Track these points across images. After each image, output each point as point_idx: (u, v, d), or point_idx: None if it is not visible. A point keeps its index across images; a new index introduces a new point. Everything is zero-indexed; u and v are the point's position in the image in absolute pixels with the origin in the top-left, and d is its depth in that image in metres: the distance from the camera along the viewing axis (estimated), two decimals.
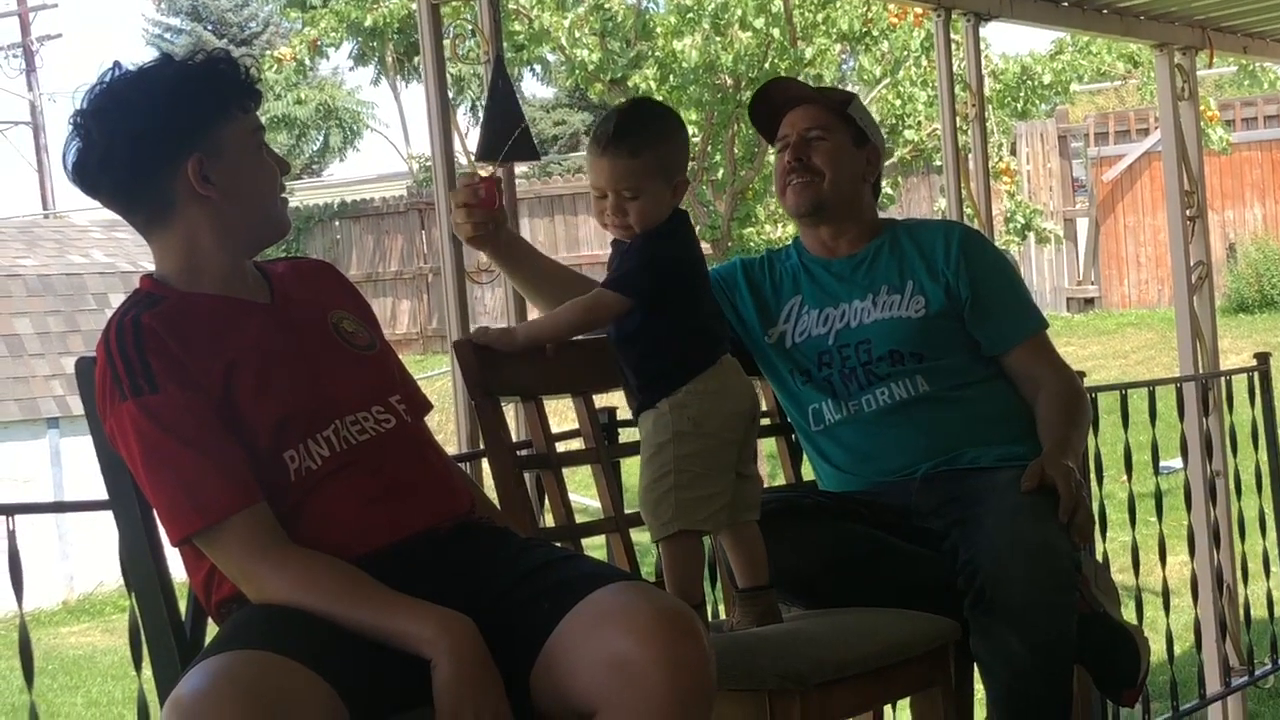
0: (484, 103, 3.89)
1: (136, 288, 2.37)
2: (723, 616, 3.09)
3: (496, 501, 2.71)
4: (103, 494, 2.41)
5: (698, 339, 2.77)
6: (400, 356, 2.62)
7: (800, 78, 10.53)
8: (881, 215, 3.46)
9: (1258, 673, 4.98)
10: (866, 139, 3.32)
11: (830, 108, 3.31)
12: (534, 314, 3.12)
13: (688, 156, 2.87)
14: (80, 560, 11.66)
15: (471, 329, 3.80)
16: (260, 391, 2.25)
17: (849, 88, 13.92)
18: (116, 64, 2.34)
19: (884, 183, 12.59)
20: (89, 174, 2.31)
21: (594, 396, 3.08)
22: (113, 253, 13.90)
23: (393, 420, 2.37)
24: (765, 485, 3.44)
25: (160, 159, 2.29)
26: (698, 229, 11.71)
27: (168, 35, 31.25)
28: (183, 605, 2.36)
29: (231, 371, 2.24)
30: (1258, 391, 4.94)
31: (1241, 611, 5.02)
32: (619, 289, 2.76)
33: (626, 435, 3.06)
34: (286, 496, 2.24)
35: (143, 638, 2.38)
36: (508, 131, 3.87)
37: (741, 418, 2.80)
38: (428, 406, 2.56)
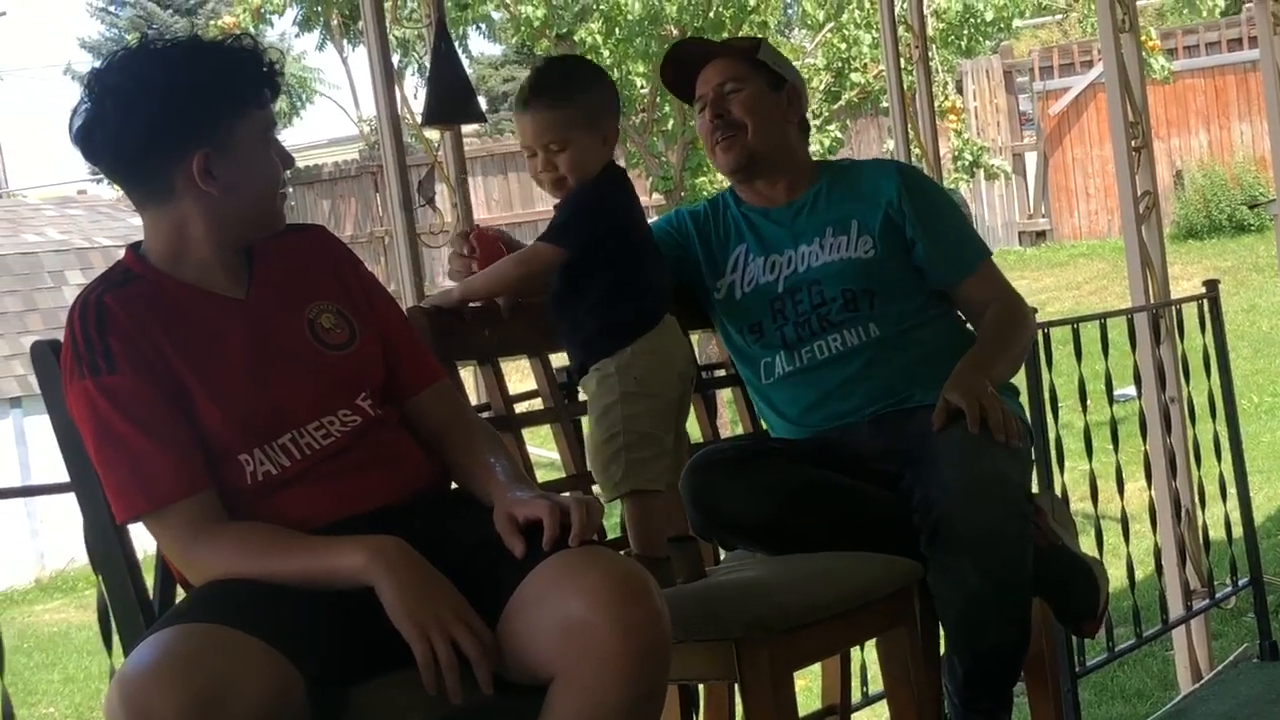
0: (428, 65, 3.89)
1: (120, 258, 2.35)
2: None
3: None
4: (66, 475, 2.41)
5: (643, 298, 2.78)
6: None
7: (744, 25, 10.53)
8: (832, 159, 3.46)
9: (1218, 595, 5.05)
10: (783, 81, 3.28)
11: (739, 57, 3.27)
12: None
13: (614, 106, 2.84)
14: (50, 538, 11.62)
15: (428, 292, 3.82)
16: (211, 396, 2.23)
17: (793, 33, 13.90)
18: (143, 36, 2.26)
19: (833, 126, 12.53)
20: (93, 146, 2.27)
21: (550, 356, 3.10)
22: (67, 230, 13.76)
23: (359, 419, 2.34)
24: (723, 435, 3.49)
25: (167, 150, 2.24)
26: (650, 180, 11.70)
27: (112, 9, 30.90)
28: (150, 578, 2.36)
29: (186, 369, 2.23)
30: (1208, 319, 4.98)
31: (1200, 535, 5.07)
32: (552, 240, 2.74)
33: None
34: (242, 494, 2.25)
35: (111, 616, 2.40)
36: (453, 94, 3.88)
37: (682, 378, 2.82)
38: (429, 377, 2.50)
